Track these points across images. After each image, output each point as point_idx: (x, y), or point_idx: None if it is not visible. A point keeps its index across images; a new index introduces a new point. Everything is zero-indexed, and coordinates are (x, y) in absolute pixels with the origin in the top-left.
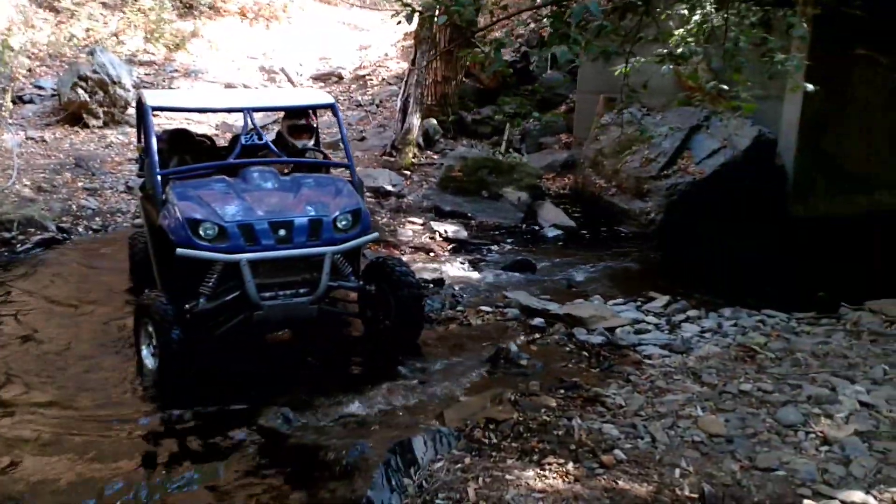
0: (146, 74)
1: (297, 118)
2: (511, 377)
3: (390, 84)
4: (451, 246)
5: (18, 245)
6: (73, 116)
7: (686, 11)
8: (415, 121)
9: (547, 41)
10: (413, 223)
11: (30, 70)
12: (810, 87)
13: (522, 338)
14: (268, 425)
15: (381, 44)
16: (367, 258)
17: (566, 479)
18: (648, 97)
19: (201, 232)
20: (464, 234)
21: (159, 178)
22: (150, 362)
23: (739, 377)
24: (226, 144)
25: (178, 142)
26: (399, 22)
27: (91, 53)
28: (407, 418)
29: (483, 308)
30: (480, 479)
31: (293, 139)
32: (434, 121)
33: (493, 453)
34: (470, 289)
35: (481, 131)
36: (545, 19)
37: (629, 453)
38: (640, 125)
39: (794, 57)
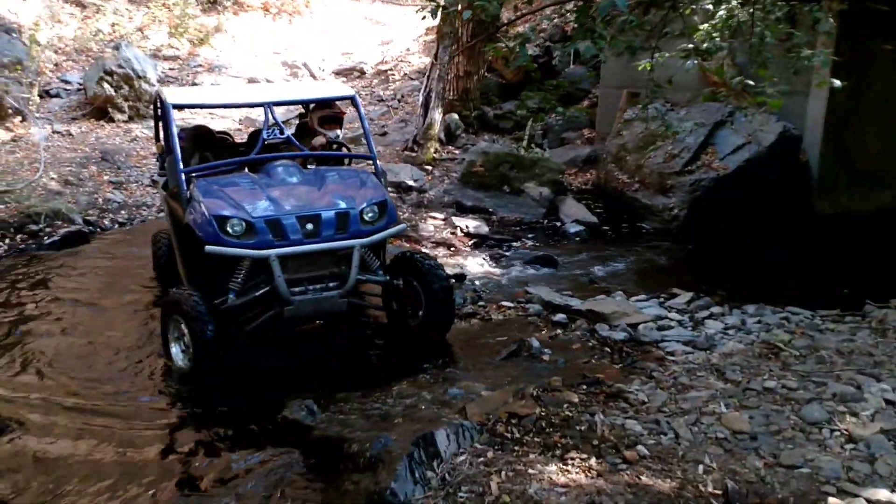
0: (170, 69)
1: (327, 109)
2: (533, 372)
3: (412, 79)
4: (472, 241)
5: (46, 237)
6: (99, 111)
7: (711, 6)
8: (436, 116)
9: (572, 36)
10: (434, 218)
11: (56, 65)
12: (837, 82)
13: (544, 333)
14: (292, 417)
15: (403, 39)
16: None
17: (589, 474)
18: (672, 92)
19: (229, 228)
20: (485, 229)
21: (183, 175)
22: (180, 360)
23: (763, 374)
24: (243, 140)
25: (199, 139)
26: (423, 17)
27: (116, 48)
28: (429, 412)
29: (504, 303)
30: (503, 472)
31: (325, 129)
32: (456, 116)
33: (516, 447)
34: (491, 284)
35: (503, 126)
36: (569, 14)
37: (652, 449)
38: (665, 120)
39: (820, 52)
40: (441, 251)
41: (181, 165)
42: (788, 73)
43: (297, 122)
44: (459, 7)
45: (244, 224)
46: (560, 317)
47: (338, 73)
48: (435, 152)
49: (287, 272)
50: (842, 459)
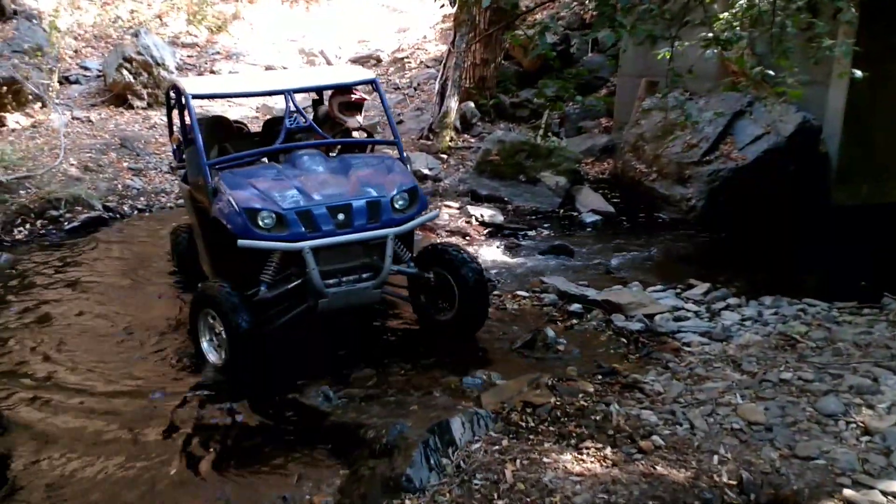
0: (188, 56)
1: (347, 95)
2: (548, 362)
3: (428, 67)
4: (487, 230)
5: (66, 223)
6: (118, 97)
7: None
8: (453, 104)
9: (591, 24)
10: (449, 207)
11: (76, 51)
12: (859, 73)
13: (560, 323)
14: (308, 403)
15: (419, 26)
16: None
17: (604, 464)
18: (692, 82)
19: (259, 221)
20: (500, 218)
21: (208, 168)
22: (213, 356)
23: (780, 366)
24: (259, 130)
25: (216, 130)
26: (441, 5)
27: (135, 35)
28: (445, 400)
29: (520, 293)
30: (518, 461)
31: (345, 116)
32: (472, 104)
33: (531, 436)
34: (506, 273)
35: (520, 115)
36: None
37: (667, 439)
38: (684, 110)
39: (842, 43)
40: (456, 240)
41: (205, 157)
42: (809, 64)
43: (312, 109)
44: None
45: (275, 216)
46: (576, 307)
47: (354, 61)
48: (450, 141)
49: (319, 264)
50: (857, 452)
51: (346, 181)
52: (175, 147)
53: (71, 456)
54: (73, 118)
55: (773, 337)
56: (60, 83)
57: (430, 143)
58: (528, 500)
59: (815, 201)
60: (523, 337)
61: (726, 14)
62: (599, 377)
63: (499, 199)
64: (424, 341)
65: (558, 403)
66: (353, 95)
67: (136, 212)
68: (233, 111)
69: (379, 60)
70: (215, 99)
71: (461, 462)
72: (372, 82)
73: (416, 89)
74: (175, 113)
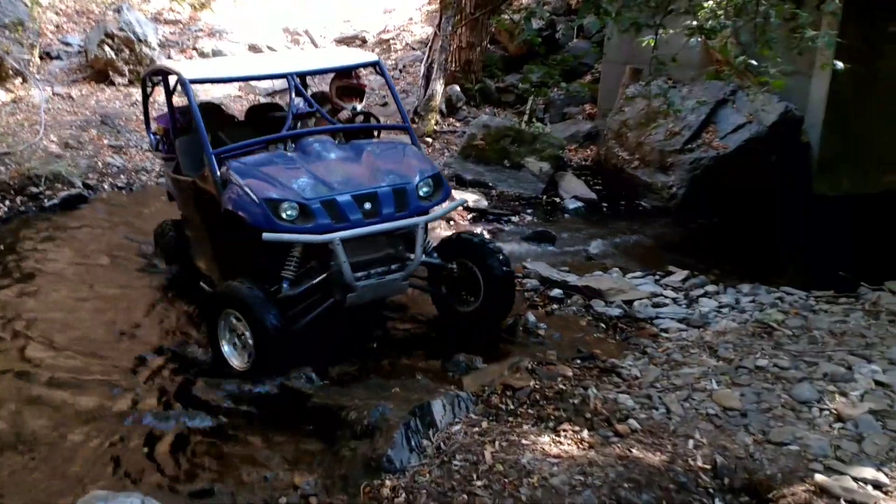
0: (171, 33)
1: (347, 79)
2: (528, 346)
3: (414, 49)
4: (471, 215)
5: (46, 200)
6: (100, 74)
7: None
8: (438, 87)
9: (577, 10)
10: None
11: (57, 26)
12: (840, 65)
13: (541, 308)
14: (291, 385)
15: (405, 8)
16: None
17: (581, 446)
18: (675, 70)
19: (282, 212)
20: (484, 203)
21: (214, 157)
22: (235, 359)
23: (756, 353)
24: (242, 113)
25: (208, 117)
26: None
27: (118, 11)
28: (426, 383)
29: None
30: (497, 442)
31: (344, 102)
32: (457, 87)
33: (510, 419)
34: None
35: (505, 99)
36: None
37: (644, 423)
38: (667, 98)
39: (825, 34)
40: (439, 225)
41: (210, 147)
42: (792, 54)
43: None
44: None
45: (298, 207)
46: (557, 292)
47: (339, 41)
48: (436, 124)
49: (348, 257)
50: (830, 438)
51: (362, 168)
52: (158, 137)
53: (42, 433)
54: (53, 94)
55: (749, 324)
56: (41, 58)
57: (415, 126)
58: (507, 480)
59: (797, 191)
60: (505, 321)
61: (710, 3)
62: (578, 361)
63: (483, 184)
64: (406, 327)
65: (537, 387)
66: (354, 80)
67: (116, 189)
68: (215, 90)
69: (364, 41)
70: (215, 84)
71: (441, 443)
72: (376, 64)
73: (401, 71)
74: (157, 100)
